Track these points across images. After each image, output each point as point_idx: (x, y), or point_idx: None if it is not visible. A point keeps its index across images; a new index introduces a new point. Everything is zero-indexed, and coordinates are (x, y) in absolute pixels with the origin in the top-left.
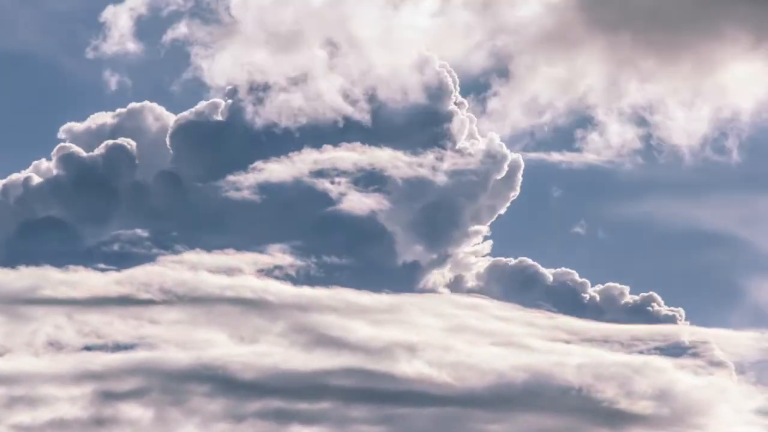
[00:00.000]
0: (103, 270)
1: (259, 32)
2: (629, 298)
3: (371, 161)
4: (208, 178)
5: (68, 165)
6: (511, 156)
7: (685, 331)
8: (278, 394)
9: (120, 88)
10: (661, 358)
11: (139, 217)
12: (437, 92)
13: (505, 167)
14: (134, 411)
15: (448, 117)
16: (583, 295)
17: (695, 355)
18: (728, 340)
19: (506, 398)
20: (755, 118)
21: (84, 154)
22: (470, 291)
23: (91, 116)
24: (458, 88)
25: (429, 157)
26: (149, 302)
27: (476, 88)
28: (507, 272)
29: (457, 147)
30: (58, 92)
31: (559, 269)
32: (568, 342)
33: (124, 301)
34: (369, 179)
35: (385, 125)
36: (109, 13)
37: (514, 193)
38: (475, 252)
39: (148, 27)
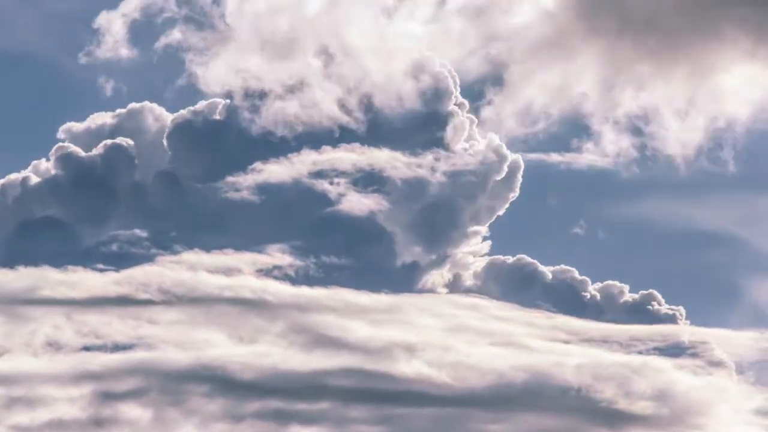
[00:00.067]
0: (101, 270)
1: (254, 39)
2: (629, 296)
3: (370, 162)
4: (207, 178)
5: (67, 165)
6: (511, 157)
7: (684, 332)
8: (277, 395)
9: (115, 94)
10: (660, 358)
11: (138, 218)
12: (437, 93)
13: (505, 168)
14: (133, 411)
15: (448, 118)
16: (582, 293)
17: (694, 355)
18: (727, 341)
19: (505, 398)
20: (751, 125)
21: (83, 153)
22: (469, 290)
23: (91, 116)
24: (458, 89)
25: (428, 157)
26: (148, 302)
27: (470, 95)
28: (505, 270)
29: (456, 148)
30: (58, 92)
31: (558, 267)
32: (567, 342)
33: (123, 302)
34: (368, 180)
35: (384, 127)
36: (103, 19)
37: (514, 194)
38: (473, 252)
39: (142, 33)
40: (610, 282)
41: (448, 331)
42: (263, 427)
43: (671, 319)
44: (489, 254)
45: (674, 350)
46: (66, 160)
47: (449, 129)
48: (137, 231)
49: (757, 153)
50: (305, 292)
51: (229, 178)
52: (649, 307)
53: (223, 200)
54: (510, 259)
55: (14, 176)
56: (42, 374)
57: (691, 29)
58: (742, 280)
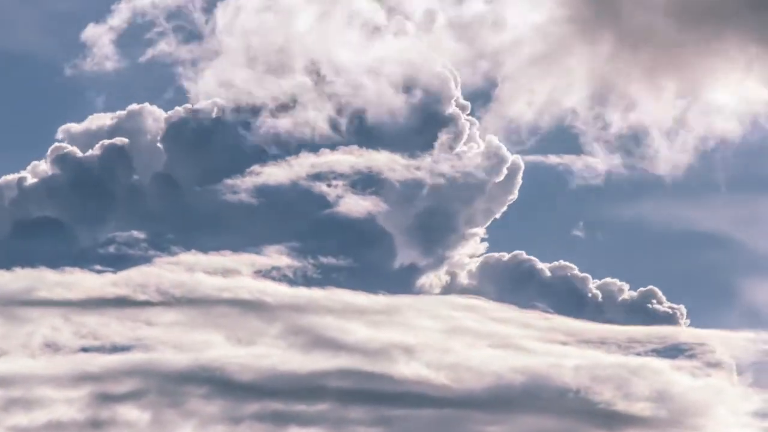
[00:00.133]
0: (99, 271)
1: (245, 54)
2: (628, 294)
3: (368, 164)
4: (204, 181)
5: (64, 165)
6: (512, 158)
7: (682, 333)
8: (276, 396)
9: (104, 107)
10: (659, 359)
11: (136, 219)
12: (437, 95)
13: (504, 170)
14: (131, 413)
15: (448, 120)
16: (582, 290)
17: (692, 356)
18: (726, 342)
19: (504, 400)
20: (742, 143)
21: (80, 154)
22: (465, 290)
23: (90, 117)
24: (460, 90)
25: (426, 160)
26: (146, 304)
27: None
28: (501, 268)
29: (455, 150)
30: (58, 93)
31: (556, 263)
32: (565, 344)
33: (121, 303)
34: (366, 182)
35: (382, 130)
36: (90, 31)
37: (512, 197)
38: (471, 253)
39: (130, 46)
40: (609, 279)
41: (446, 332)
42: (262, 429)
43: (672, 317)
44: (486, 254)
45: (672, 351)
46: (63, 160)
47: (449, 131)
48: (135, 232)
49: (748, 176)
50: (303, 293)
51: (228, 181)
52: (649, 305)
53: (221, 202)
54: (506, 256)
55: (11, 177)
56: (40, 375)
57: (685, 46)
58: (740, 281)
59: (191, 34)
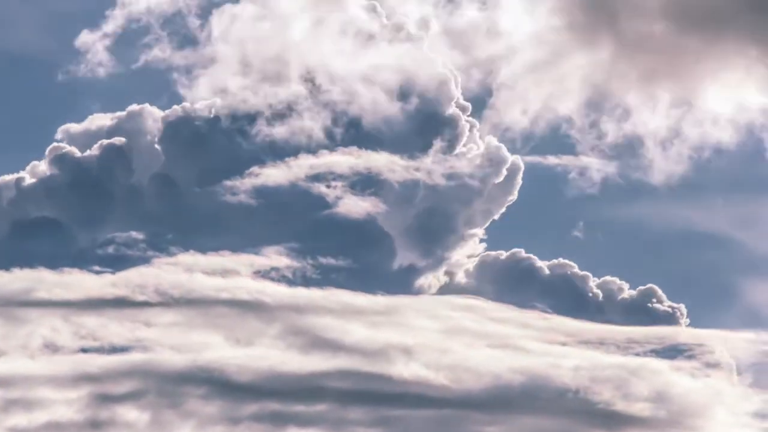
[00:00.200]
0: (98, 272)
1: (240, 62)
2: (627, 293)
3: (367, 165)
4: (204, 182)
5: (62, 166)
6: (511, 158)
7: (681, 333)
8: (274, 397)
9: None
10: (658, 359)
11: (135, 220)
12: (437, 96)
13: (504, 171)
14: (130, 413)
15: (448, 121)
16: (582, 289)
17: (692, 357)
18: (725, 342)
19: (503, 400)
20: (738, 151)
21: (78, 154)
22: (463, 289)
23: (89, 117)
24: (460, 90)
25: (426, 161)
26: (145, 304)
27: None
28: (499, 266)
29: (455, 151)
30: (58, 93)
31: (555, 260)
32: (564, 344)
33: (120, 304)
34: (365, 183)
35: (382, 131)
36: (84, 37)
37: (512, 198)
38: (470, 254)
39: (124, 52)
40: (608, 278)
41: (445, 333)
42: (261, 429)
43: (672, 316)
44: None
45: (672, 352)
46: (61, 160)
47: (448, 132)
48: (134, 233)
49: (744, 186)
50: (302, 293)
51: (227, 182)
52: (649, 304)
53: (220, 203)
54: (504, 254)
55: (9, 177)
56: (39, 376)
57: (680, 54)
58: (740, 282)
59: (186, 41)
